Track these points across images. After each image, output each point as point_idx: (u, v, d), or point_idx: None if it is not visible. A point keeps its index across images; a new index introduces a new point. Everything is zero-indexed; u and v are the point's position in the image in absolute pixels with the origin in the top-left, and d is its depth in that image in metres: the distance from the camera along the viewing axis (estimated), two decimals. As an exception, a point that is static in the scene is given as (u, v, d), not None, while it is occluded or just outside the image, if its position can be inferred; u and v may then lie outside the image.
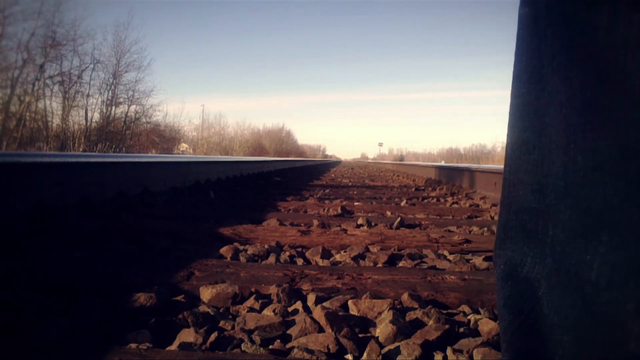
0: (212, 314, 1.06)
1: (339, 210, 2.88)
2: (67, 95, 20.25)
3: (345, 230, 2.15)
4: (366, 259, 1.66)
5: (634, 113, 0.35)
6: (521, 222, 0.45)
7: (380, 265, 1.61)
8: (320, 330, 0.96)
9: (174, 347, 0.89)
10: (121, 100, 22.43)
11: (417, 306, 1.13)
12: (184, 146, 34.86)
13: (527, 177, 0.44)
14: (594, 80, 0.37)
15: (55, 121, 19.91)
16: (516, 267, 0.45)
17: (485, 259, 1.76)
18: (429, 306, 1.10)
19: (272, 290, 1.18)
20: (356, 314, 1.08)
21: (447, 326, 0.98)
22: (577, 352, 0.39)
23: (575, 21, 0.38)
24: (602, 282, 0.36)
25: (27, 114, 18.63)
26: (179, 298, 1.14)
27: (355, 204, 3.53)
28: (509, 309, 0.45)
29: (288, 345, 0.92)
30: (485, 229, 2.53)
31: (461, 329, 1.02)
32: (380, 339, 0.95)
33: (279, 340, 0.93)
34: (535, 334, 0.41)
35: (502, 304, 0.47)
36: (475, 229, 2.55)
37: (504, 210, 0.49)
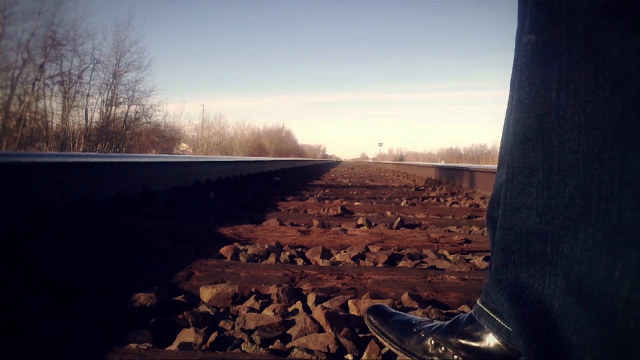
0: (212, 314, 1.06)
1: (339, 210, 2.88)
2: (67, 95, 20.26)
3: (345, 230, 2.15)
4: (366, 259, 1.66)
5: None
6: (526, 245, 0.45)
7: (380, 265, 1.61)
8: (320, 330, 0.96)
9: (174, 347, 0.89)
10: (121, 100, 22.43)
11: (417, 306, 1.13)
12: (184, 146, 34.86)
13: (530, 200, 0.44)
14: (622, 100, 0.37)
15: (55, 121, 19.91)
16: (524, 290, 0.45)
17: (485, 259, 1.76)
18: (429, 306, 1.10)
19: (272, 290, 1.18)
20: (356, 314, 1.08)
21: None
22: None
23: (607, 45, 0.37)
24: (635, 296, 0.36)
25: (27, 114, 18.63)
26: (179, 298, 1.14)
27: (355, 204, 3.53)
28: (525, 328, 0.45)
29: (288, 345, 0.92)
30: (486, 229, 2.53)
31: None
32: (380, 339, 0.95)
33: (279, 340, 0.93)
34: (555, 353, 0.41)
35: (517, 324, 0.46)
36: (475, 229, 2.55)
37: (503, 235, 0.48)
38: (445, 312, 1.11)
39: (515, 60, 0.47)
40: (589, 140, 0.38)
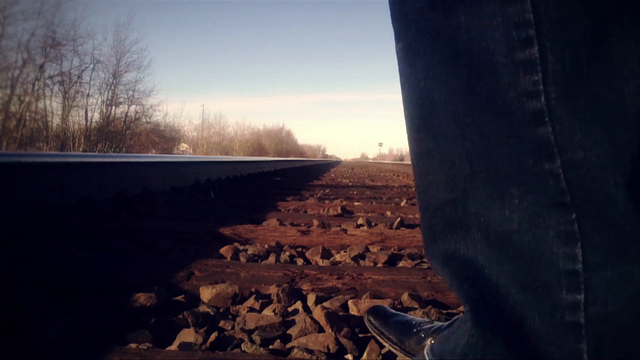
0: (212, 314, 1.06)
1: (339, 210, 2.88)
2: (67, 95, 20.25)
3: (345, 230, 2.15)
4: (366, 259, 1.66)
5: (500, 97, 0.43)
6: (444, 218, 0.51)
7: (380, 265, 1.61)
8: (320, 330, 0.96)
9: (174, 347, 0.89)
10: (121, 100, 22.42)
11: (417, 306, 1.13)
12: (184, 146, 34.85)
13: (434, 177, 0.51)
14: (463, 73, 0.45)
15: (55, 121, 19.90)
16: (454, 254, 0.51)
17: (485, 259, 1.76)
18: (429, 306, 1.10)
19: (272, 290, 1.18)
20: (356, 314, 1.07)
21: (447, 326, 0.98)
22: (520, 297, 0.45)
23: (440, 30, 0.47)
24: (523, 226, 0.44)
25: (27, 114, 18.63)
26: (179, 298, 1.14)
27: (355, 204, 3.53)
28: (457, 280, 0.52)
29: (288, 345, 0.92)
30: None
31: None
32: (380, 339, 0.95)
33: (279, 340, 0.93)
34: (488, 297, 0.48)
35: (451, 279, 0.53)
36: None
37: (424, 214, 0.55)
38: (445, 312, 1.11)
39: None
40: (455, 112, 0.46)
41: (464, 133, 0.46)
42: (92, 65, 21.00)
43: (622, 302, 0.41)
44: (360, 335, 0.96)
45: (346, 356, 0.89)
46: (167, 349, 0.88)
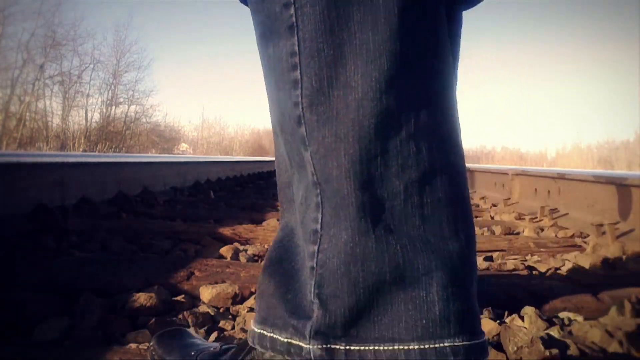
0: (212, 313, 1.06)
1: (339, 210, 2.87)
2: (67, 95, 20.27)
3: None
4: (366, 259, 1.65)
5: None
6: (286, 197, 0.67)
7: (380, 265, 1.60)
8: (321, 330, 0.96)
9: (174, 347, 0.89)
10: (121, 100, 22.44)
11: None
12: (184, 146, 34.85)
13: (278, 164, 0.69)
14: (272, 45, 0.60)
15: (55, 121, 19.91)
16: (287, 225, 0.66)
17: (485, 259, 1.76)
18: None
19: (272, 290, 1.18)
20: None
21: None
22: (301, 250, 0.61)
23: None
24: (302, 199, 0.60)
25: (27, 114, 18.63)
26: (179, 298, 1.14)
27: (355, 204, 3.52)
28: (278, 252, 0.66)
29: (288, 345, 0.91)
30: (485, 229, 2.53)
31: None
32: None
33: (279, 340, 0.93)
34: (290, 249, 0.65)
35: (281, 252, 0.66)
36: (475, 229, 2.55)
37: (279, 193, 0.70)
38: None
39: None
40: (278, 98, 0.60)
41: (278, 119, 0.63)
42: (92, 65, 21.04)
43: (335, 251, 0.56)
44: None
45: (346, 356, 0.89)
46: (167, 349, 0.88)
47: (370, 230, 0.55)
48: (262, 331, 0.63)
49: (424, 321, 0.54)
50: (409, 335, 0.54)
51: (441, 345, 0.54)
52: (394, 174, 0.55)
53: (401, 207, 0.56)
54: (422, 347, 0.54)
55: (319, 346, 0.57)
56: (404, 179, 0.55)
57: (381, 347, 0.55)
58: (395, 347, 0.55)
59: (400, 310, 0.55)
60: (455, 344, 0.54)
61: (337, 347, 0.56)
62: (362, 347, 0.56)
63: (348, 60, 0.54)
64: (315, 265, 0.57)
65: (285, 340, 0.60)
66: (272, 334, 0.61)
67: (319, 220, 0.57)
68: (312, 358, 0.57)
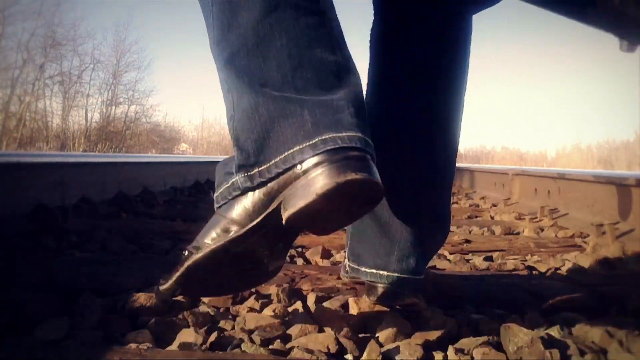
0: (212, 314, 1.06)
1: (339, 210, 2.87)
2: (67, 95, 20.27)
3: (345, 230, 2.14)
4: (366, 259, 1.65)
5: None
6: None
7: (380, 265, 1.60)
8: (320, 330, 0.96)
9: (174, 347, 0.89)
10: (121, 100, 22.44)
11: (417, 306, 1.12)
12: (184, 146, 34.82)
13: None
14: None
15: (55, 121, 19.91)
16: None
17: (485, 259, 1.76)
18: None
19: (272, 290, 1.18)
20: (356, 313, 1.07)
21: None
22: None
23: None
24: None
25: (27, 114, 18.63)
26: (179, 298, 1.14)
27: (355, 203, 3.52)
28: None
29: (288, 345, 0.91)
30: (485, 229, 2.53)
31: (462, 329, 1.01)
32: (380, 338, 0.95)
33: (279, 340, 0.93)
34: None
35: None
36: (475, 229, 2.55)
37: None
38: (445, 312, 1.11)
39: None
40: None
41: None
42: (92, 65, 21.03)
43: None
44: (360, 335, 0.96)
45: (346, 356, 0.89)
46: (167, 349, 0.88)
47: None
48: None
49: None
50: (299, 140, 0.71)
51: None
52: None
53: None
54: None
55: (242, 175, 0.77)
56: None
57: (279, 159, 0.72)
58: (287, 153, 0.71)
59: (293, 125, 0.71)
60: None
61: (253, 172, 0.75)
62: (267, 165, 0.73)
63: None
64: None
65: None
66: None
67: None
68: (240, 187, 0.78)
